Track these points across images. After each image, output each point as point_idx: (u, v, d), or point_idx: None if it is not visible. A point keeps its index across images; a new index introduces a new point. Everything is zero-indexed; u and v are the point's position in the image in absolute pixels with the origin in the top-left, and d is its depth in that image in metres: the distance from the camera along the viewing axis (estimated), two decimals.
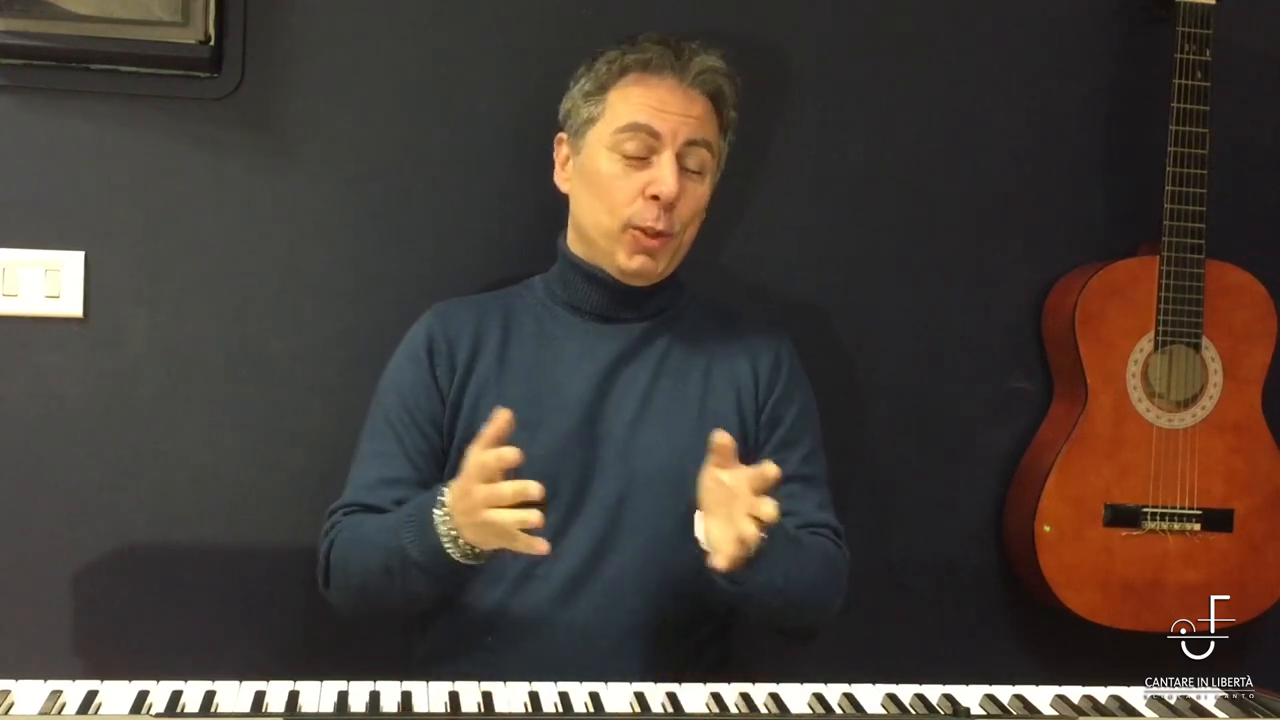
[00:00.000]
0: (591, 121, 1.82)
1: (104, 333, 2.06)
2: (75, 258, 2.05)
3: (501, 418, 1.56)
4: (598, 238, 1.81)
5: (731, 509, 1.58)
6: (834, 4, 2.23)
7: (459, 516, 1.59)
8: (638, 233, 1.78)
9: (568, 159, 1.86)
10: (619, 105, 1.80)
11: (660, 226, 1.77)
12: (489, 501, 1.54)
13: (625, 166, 1.78)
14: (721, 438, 1.61)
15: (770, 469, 1.57)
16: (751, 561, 1.60)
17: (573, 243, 1.86)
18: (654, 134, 1.77)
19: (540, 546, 1.55)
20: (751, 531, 1.55)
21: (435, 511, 1.61)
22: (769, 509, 1.54)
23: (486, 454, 1.55)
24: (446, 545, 1.60)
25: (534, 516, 1.53)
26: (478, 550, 1.61)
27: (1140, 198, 2.23)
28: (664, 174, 1.76)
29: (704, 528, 1.64)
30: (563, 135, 1.88)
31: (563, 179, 1.88)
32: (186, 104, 2.06)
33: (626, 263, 1.80)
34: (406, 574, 1.64)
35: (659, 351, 1.85)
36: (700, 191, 1.82)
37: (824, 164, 2.24)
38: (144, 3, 1.94)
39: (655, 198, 1.76)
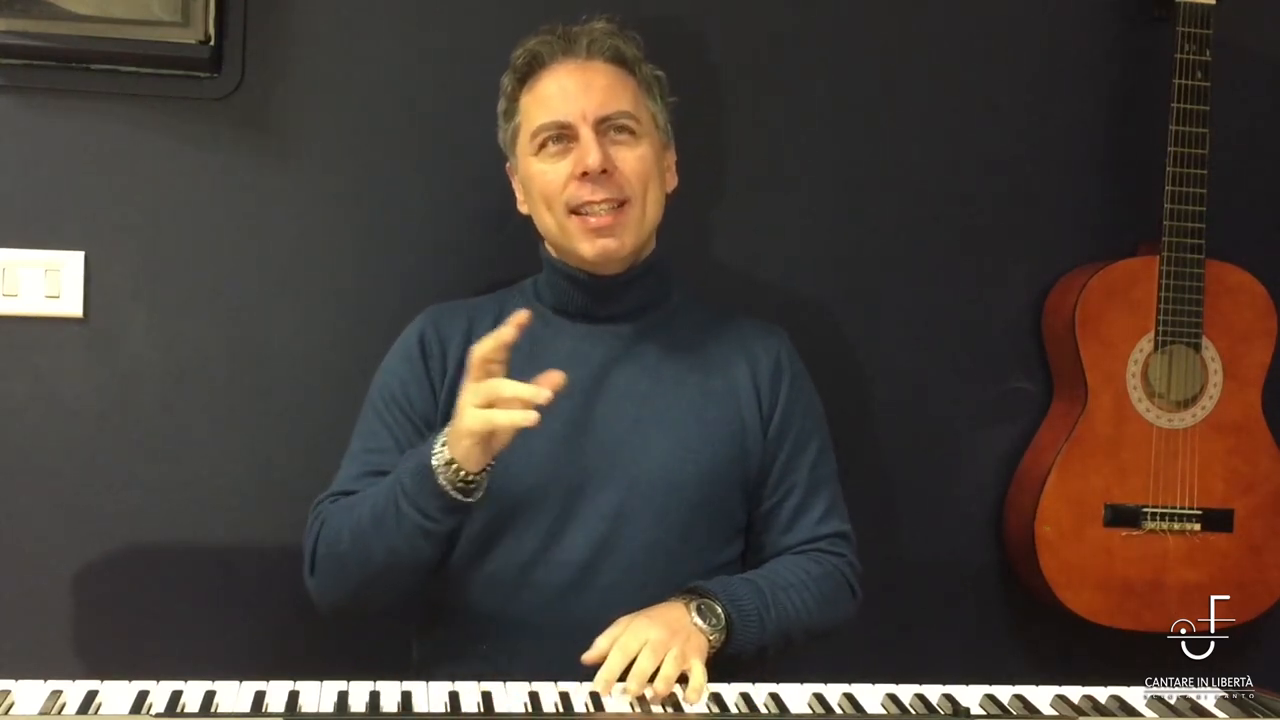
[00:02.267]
0: (515, 136, 1.83)
1: (104, 333, 2.06)
2: (75, 258, 2.05)
3: (520, 316, 1.57)
4: (557, 239, 1.81)
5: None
6: (835, 3, 2.23)
7: (453, 431, 1.58)
8: (582, 218, 1.76)
9: (519, 184, 1.87)
10: (529, 110, 1.81)
11: (600, 196, 1.75)
12: (486, 395, 1.54)
13: (551, 160, 1.78)
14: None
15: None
16: (727, 641, 1.65)
17: (550, 248, 1.86)
18: (564, 125, 1.77)
19: (530, 419, 1.52)
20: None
21: (436, 439, 1.61)
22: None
23: (483, 344, 1.55)
24: (438, 468, 1.59)
25: (529, 419, 1.52)
26: (468, 478, 1.59)
27: (1140, 198, 2.23)
28: (584, 149, 1.75)
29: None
30: (509, 164, 1.89)
31: (520, 203, 1.89)
32: (186, 104, 2.06)
33: (588, 251, 1.77)
34: (398, 514, 1.63)
35: (652, 355, 1.83)
36: (639, 152, 1.78)
37: (823, 163, 2.24)
38: (144, 3, 1.95)
39: (585, 174, 1.75)
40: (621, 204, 1.77)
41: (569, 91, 1.78)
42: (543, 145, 1.78)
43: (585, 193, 1.75)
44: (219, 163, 2.08)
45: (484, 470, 1.61)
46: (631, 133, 1.79)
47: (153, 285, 2.08)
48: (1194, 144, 2.13)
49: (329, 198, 2.12)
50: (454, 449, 1.59)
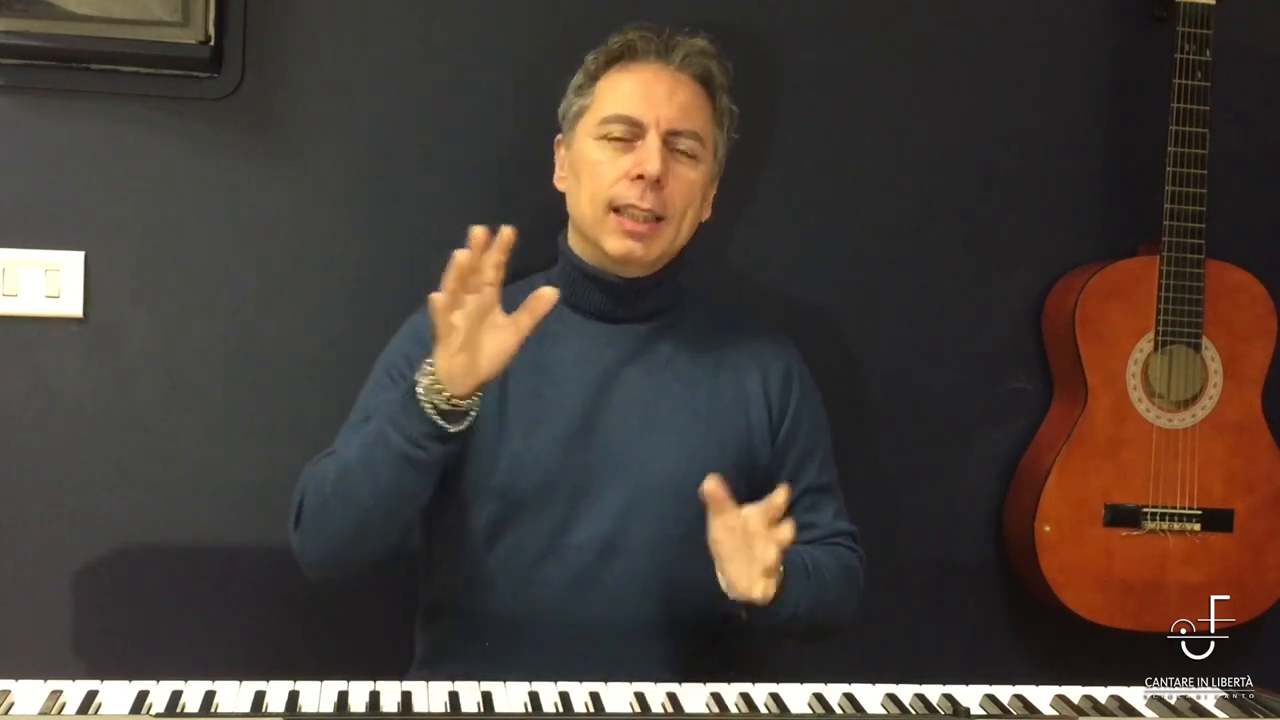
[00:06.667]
0: (581, 113, 1.82)
1: (104, 333, 2.06)
2: (75, 258, 2.05)
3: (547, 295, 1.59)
4: (587, 227, 1.80)
5: (752, 549, 1.59)
6: (835, 5, 2.23)
7: (439, 357, 1.58)
8: (623, 218, 1.76)
9: (564, 158, 1.87)
10: (605, 95, 1.80)
11: (646, 204, 1.75)
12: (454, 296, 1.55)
13: (612, 151, 1.78)
14: (711, 487, 1.59)
15: (778, 497, 1.58)
16: (774, 599, 1.62)
17: (573, 242, 1.86)
18: (636, 123, 1.76)
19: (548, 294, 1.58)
20: (773, 558, 1.57)
21: (426, 365, 1.60)
22: (786, 533, 1.57)
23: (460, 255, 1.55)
24: (423, 392, 1.58)
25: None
26: (452, 401, 1.58)
27: (1140, 198, 2.23)
28: (648, 153, 1.75)
29: (728, 578, 1.63)
30: (560, 136, 1.88)
31: (560, 178, 1.88)
32: (186, 104, 2.06)
33: (615, 247, 1.77)
34: (386, 443, 1.61)
35: (663, 357, 1.83)
36: (692, 176, 1.79)
37: (824, 165, 2.24)
38: (144, 3, 1.95)
39: (640, 177, 1.75)
40: (659, 219, 1.77)
41: (652, 93, 1.78)
42: (607, 135, 1.78)
43: (634, 195, 1.75)
44: (219, 162, 2.08)
45: (470, 398, 1.59)
46: (693, 156, 1.79)
47: (153, 285, 2.08)
48: (1194, 144, 2.13)
49: (329, 198, 2.12)
50: (442, 365, 1.58)
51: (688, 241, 1.85)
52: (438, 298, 1.56)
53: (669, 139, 1.77)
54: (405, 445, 1.60)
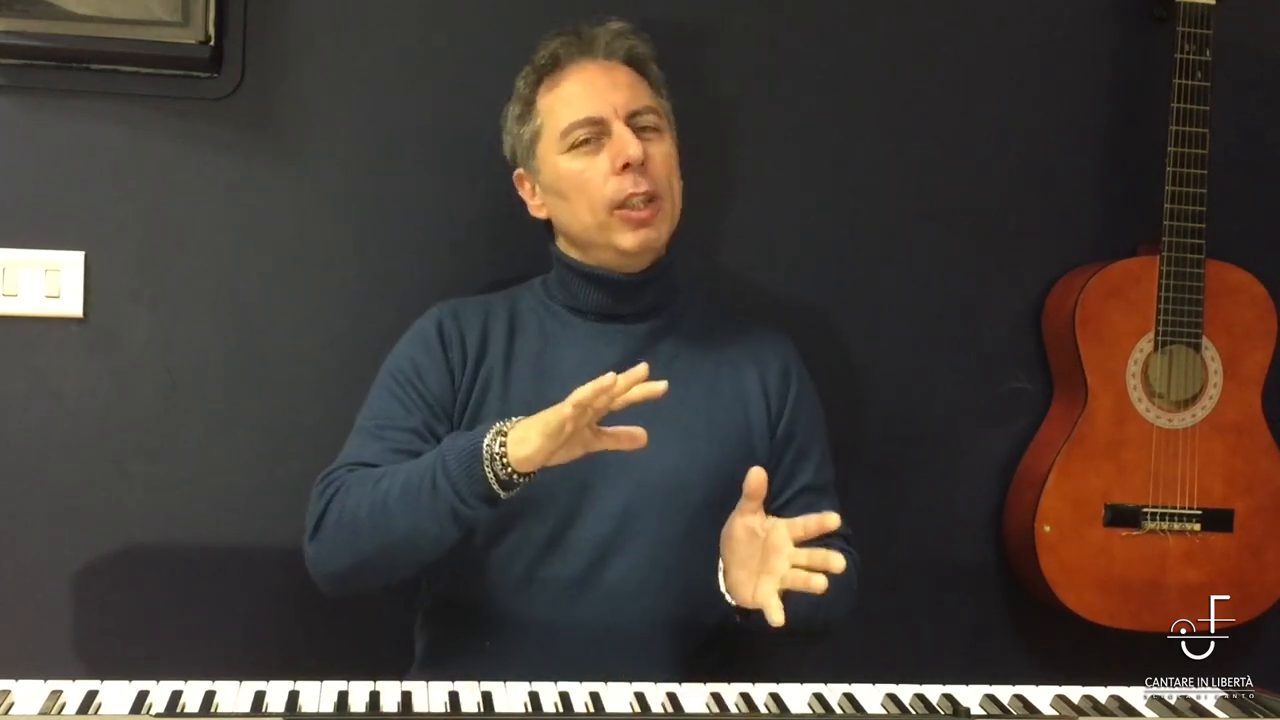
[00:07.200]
0: (535, 138, 1.83)
1: (104, 333, 2.06)
2: (75, 258, 2.05)
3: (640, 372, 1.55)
4: (591, 236, 1.80)
5: (766, 562, 1.58)
6: (835, 5, 2.23)
7: (529, 427, 1.56)
8: (624, 211, 1.77)
9: (533, 189, 1.87)
10: (553, 110, 1.81)
11: (642, 189, 1.76)
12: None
13: (585, 158, 1.78)
14: (756, 478, 1.60)
15: (831, 520, 1.57)
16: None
17: (565, 248, 1.86)
18: (597, 121, 1.78)
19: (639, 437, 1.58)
20: (820, 584, 1.53)
21: (497, 425, 1.59)
22: (838, 563, 1.54)
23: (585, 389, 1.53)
24: (488, 456, 1.57)
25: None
26: (514, 475, 1.57)
27: (1140, 198, 2.23)
28: (623, 142, 1.76)
29: (731, 580, 1.64)
30: (519, 171, 1.89)
31: (536, 208, 1.88)
32: (186, 104, 2.06)
33: (629, 242, 1.77)
34: (434, 490, 1.60)
35: (664, 356, 1.83)
36: (664, 148, 1.81)
37: (823, 164, 2.24)
38: (144, 3, 1.95)
39: (626, 166, 1.76)
40: (653, 198, 1.78)
41: (597, 88, 1.79)
42: (574, 144, 1.78)
43: (628, 185, 1.76)
44: (219, 163, 2.08)
45: (530, 476, 1.59)
46: (657, 129, 1.81)
47: (153, 285, 2.08)
48: (1194, 144, 2.13)
49: (329, 198, 2.12)
50: (518, 446, 1.56)
51: (677, 225, 1.85)
52: (580, 404, 1.53)
53: (630, 122, 1.78)
54: (454, 500, 1.60)
